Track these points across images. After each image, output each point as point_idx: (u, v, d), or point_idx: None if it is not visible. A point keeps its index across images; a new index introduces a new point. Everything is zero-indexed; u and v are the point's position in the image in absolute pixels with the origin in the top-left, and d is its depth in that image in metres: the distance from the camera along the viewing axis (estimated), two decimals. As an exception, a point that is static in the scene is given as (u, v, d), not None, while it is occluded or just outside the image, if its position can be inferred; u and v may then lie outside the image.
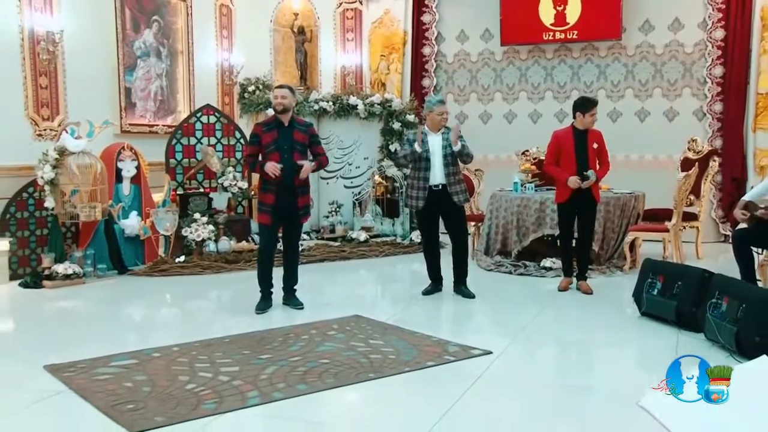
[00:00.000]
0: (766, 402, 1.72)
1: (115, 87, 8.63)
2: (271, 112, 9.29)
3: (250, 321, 5.66)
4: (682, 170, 8.40)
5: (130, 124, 8.84)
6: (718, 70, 9.74)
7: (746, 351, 4.37)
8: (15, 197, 7.42)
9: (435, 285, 6.68)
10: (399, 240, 9.42)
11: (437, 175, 6.37)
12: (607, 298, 6.48)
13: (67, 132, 7.55)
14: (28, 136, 7.63)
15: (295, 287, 6.20)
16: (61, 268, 7.07)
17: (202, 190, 8.88)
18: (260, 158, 5.96)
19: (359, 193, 10.01)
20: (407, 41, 11.20)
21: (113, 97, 8.62)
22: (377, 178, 9.94)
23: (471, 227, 8.82)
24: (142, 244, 8.04)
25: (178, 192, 8.66)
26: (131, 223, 7.93)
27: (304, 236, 8.74)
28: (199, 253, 8.06)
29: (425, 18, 11.23)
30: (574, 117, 6.65)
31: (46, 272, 7.08)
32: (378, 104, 9.95)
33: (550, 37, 10.37)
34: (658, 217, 8.14)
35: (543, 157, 7.82)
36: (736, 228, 6.40)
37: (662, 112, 10.14)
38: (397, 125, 9.96)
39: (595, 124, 6.65)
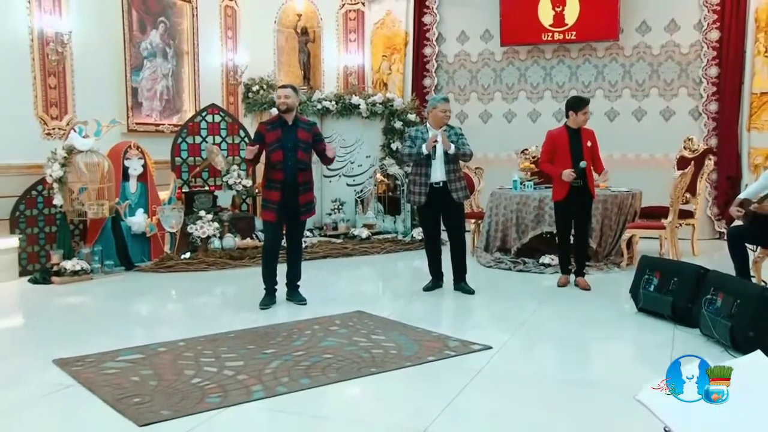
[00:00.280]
0: (760, 395, 1.71)
1: (122, 87, 8.63)
2: (274, 111, 9.34)
3: (255, 316, 5.67)
4: (678, 169, 8.40)
5: (137, 123, 8.85)
6: (714, 71, 9.73)
7: (741, 346, 4.37)
8: (24, 195, 7.42)
9: (436, 281, 6.68)
10: (400, 237, 9.42)
11: (438, 173, 6.36)
12: (604, 294, 6.48)
13: (75, 131, 7.55)
14: (37, 135, 7.64)
15: (298, 283, 6.20)
16: (69, 265, 7.08)
17: (207, 188, 8.88)
18: (263, 156, 5.99)
19: (361, 191, 10.00)
20: (408, 42, 11.19)
21: (120, 96, 8.62)
22: (379, 176, 9.95)
23: (471, 224, 8.83)
24: (148, 241, 8.05)
25: (183, 190, 8.66)
26: (138, 221, 7.93)
27: (308, 233, 8.75)
28: (204, 249, 8.06)
29: (426, 19, 11.21)
30: (567, 116, 6.66)
31: (55, 268, 7.09)
32: (380, 104, 9.95)
33: (549, 38, 10.36)
34: (654, 214, 8.13)
35: (542, 157, 7.82)
36: (731, 225, 6.39)
37: (659, 111, 10.13)
38: (398, 124, 9.96)
39: (588, 123, 6.65)
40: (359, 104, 9.80)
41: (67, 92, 7.95)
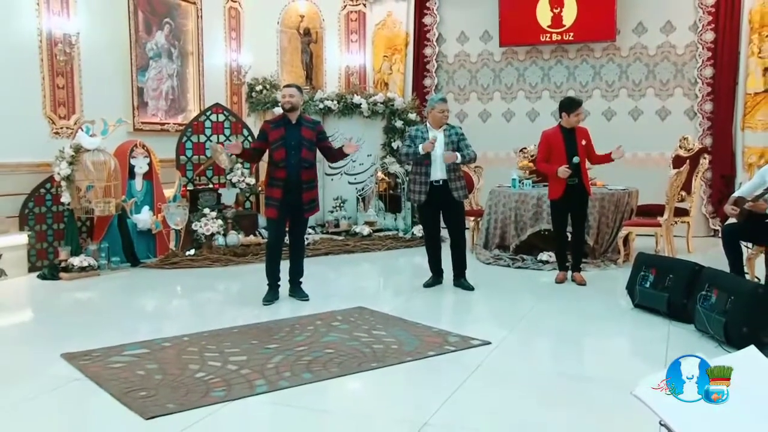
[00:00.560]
0: (753, 389, 1.71)
1: (128, 87, 8.64)
2: (277, 110, 9.35)
3: (258, 312, 5.67)
4: (674, 167, 8.39)
5: (143, 123, 8.85)
6: (708, 71, 9.72)
7: (734, 341, 4.37)
8: (33, 193, 7.43)
9: (436, 277, 6.68)
10: (401, 234, 9.42)
11: (438, 171, 6.36)
12: (601, 291, 6.48)
13: (82, 130, 7.56)
14: (45, 134, 7.64)
15: (300, 279, 6.20)
16: (76, 261, 7.09)
17: (211, 186, 8.88)
18: (266, 154, 6.00)
19: (363, 189, 10.00)
20: (409, 42, 11.18)
21: (126, 96, 8.63)
22: (380, 174, 9.95)
23: (470, 222, 8.83)
24: (153, 238, 8.06)
25: (188, 188, 8.67)
26: (143, 218, 7.94)
27: (310, 230, 8.74)
28: (208, 246, 8.06)
29: (426, 20, 11.20)
30: (560, 116, 6.68)
31: (63, 265, 7.10)
32: (381, 103, 9.94)
33: (547, 39, 10.35)
34: (650, 212, 8.13)
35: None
36: (726, 223, 6.40)
37: (655, 111, 10.12)
38: (399, 123, 9.95)
39: (585, 122, 6.66)
40: (361, 104, 9.79)
41: (75, 92, 7.95)
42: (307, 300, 6.03)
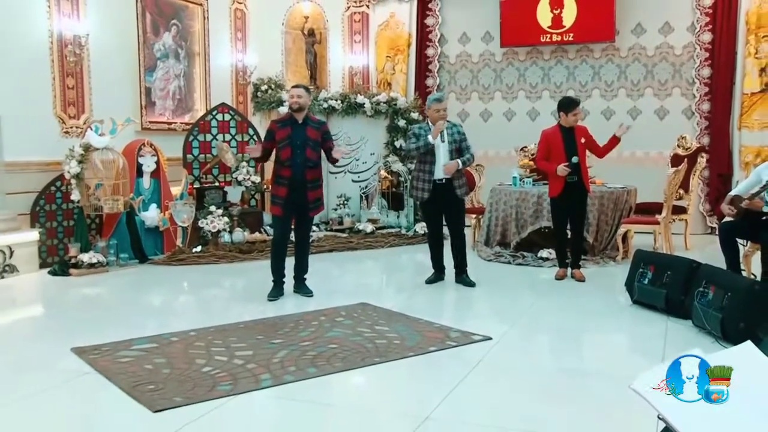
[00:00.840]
0: (749, 384, 1.71)
1: (137, 87, 8.64)
2: (282, 110, 9.35)
3: (263, 308, 5.67)
4: (672, 166, 8.37)
5: (150, 122, 8.86)
6: (706, 71, 9.70)
7: (731, 337, 4.37)
8: (44, 191, 7.45)
9: (438, 274, 6.68)
10: (403, 231, 9.42)
11: (441, 169, 6.37)
12: (600, 287, 6.47)
13: (91, 129, 7.58)
14: (55, 134, 7.66)
15: (305, 276, 6.20)
16: (86, 257, 7.10)
17: (217, 184, 8.89)
18: (273, 153, 5.99)
19: (366, 186, 10.00)
20: (412, 43, 11.16)
21: (134, 96, 8.64)
22: (383, 172, 9.94)
23: (472, 219, 8.83)
24: (161, 235, 8.07)
25: (194, 186, 8.67)
26: (151, 215, 7.95)
27: (314, 228, 8.73)
28: (214, 243, 8.07)
29: (429, 21, 11.19)
30: (559, 116, 6.68)
31: (73, 261, 7.11)
32: (384, 103, 9.94)
33: (547, 39, 10.33)
34: (649, 210, 8.12)
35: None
36: (723, 221, 6.38)
37: (653, 110, 10.10)
38: (402, 123, 9.95)
39: (585, 121, 6.66)
40: (364, 103, 9.79)
41: (84, 92, 7.96)
42: (312, 296, 6.03)
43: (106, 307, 6.07)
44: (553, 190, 6.68)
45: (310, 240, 6.55)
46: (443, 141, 6.32)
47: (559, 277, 6.78)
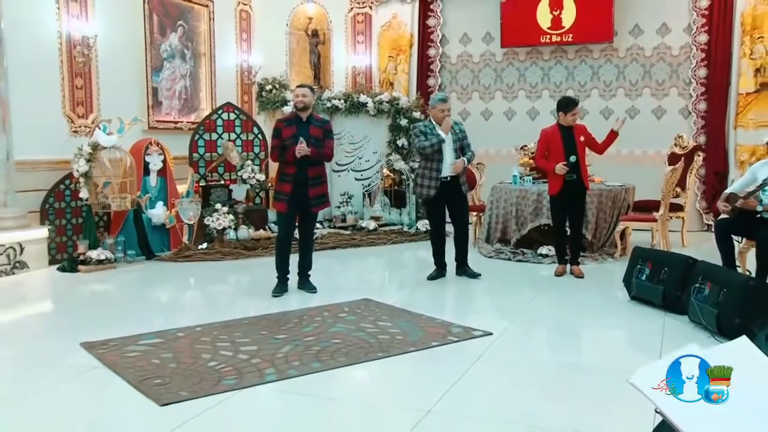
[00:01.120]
0: (747, 382, 1.71)
1: (144, 87, 8.64)
2: (286, 109, 9.35)
3: (267, 304, 5.67)
4: (669, 164, 8.37)
5: (157, 121, 8.86)
6: (702, 72, 9.68)
7: (727, 332, 4.37)
8: (53, 189, 7.46)
9: (440, 270, 6.68)
10: (405, 229, 9.41)
11: (447, 167, 6.40)
12: (599, 283, 6.47)
13: (99, 128, 7.59)
14: (64, 133, 7.67)
15: (309, 272, 6.20)
16: (94, 254, 7.11)
17: (222, 182, 8.89)
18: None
19: (369, 184, 10.00)
20: (414, 43, 11.15)
21: (142, 96, 8.64)
22: (385, 171, 9.94)
23: (473, 217, 8.81)
24: (167, 232, 8.07)
25: (200, 184, 8.68)
26: (158, 213, 7.95)
27: (317, 225, 8.74)
28: (220, 240, 8.07)
29: (430, 22, 11.18)
30: (558, 115, 6.68)
31: (81, 257, 7.12)
32: (386, 102, 9.93)
33: (547, 40, 10.32)
34: (646, 207, 8.11)
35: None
36: (719, 218, 6.38)
37: (651, 110, 10.09)
38: (404, 122, 9.95)
39: (584, 121, 6.66)
40: (367, 103, 9.78)
41: (93, 92, 7.97)
42: (315, 292, 6.03)
43: (114, 302, 6.08)
44: (552, 188, 6.68)
45: (314, 237, 6.56)
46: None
47: (559, 274, 6.78)
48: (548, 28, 10.26)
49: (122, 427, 3.35)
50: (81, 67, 7.78)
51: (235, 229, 8.21)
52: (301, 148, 5.74)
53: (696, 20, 9.65)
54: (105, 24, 8.05)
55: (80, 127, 7.82)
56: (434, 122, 6.46)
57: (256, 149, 9.10)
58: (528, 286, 6.42)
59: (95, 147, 7.45)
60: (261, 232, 8.42)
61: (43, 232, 7.21)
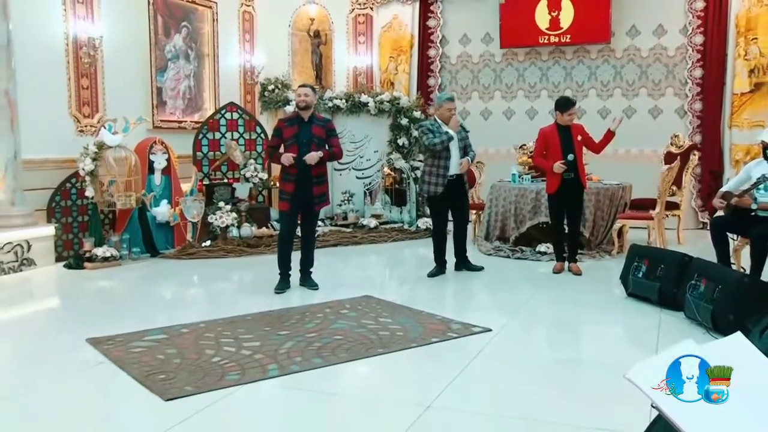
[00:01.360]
0: (743, 377, 1.71)
1: (148, 87, 8.64)
2: (288, 109, 9.34)
3: (270, 300, 5.67)
4: (666, 163, 8.37)
5: (161, 121, 8.86)
6: (698, 72, 9.67)
7: (721, 328, 4.37)
8: (59, 187, 7.46)
9: (440, 267, 6.69)
10: (406, 226, 9.41)
11: (454, 166, 6.44)
12: (596, 280, 6.47)
13: (105, 128, 7.58)
14: (71, 132, 7.67)
15: (311, 270, 6.20)
16: (100, 251, 7.11)
17: (226, 180, 8.88)
18: (281, 150, 5.97)
19: (370, 183, 10.00)
20: (414, 44, 11.14)
21: (146, 96, 8.64)
22: (386, 169, 9.94)
23: (473, 215, 8.81)
24: (171, 230, 8.07)
25: (204, 182, 8.67)
26: (162, 211, 7.95)
27: (319, 223, 8.74)
28: (223, 238, 8.08)
29: (431, 23, 11.17)
30: (555, 115, 6.69)
31: (87, 255, 7.12)
32: (387, 102, 9.93)
33: (546, 41, 10.31)
34: (643, 206, 8.11)
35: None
36: (714, 216, 6.38)
37: (647, 109, 10.08)
38: (404, 121, 9.95)
39: (582, 120, 6.66)
40: (368, 102, 9.78)
41: (98, 92, 7.96)
42: (317, 289, 6.03)
43: (120, 299, 6.08)
44: (550, 186, 6.68)
45: (316, 235, 6.57)
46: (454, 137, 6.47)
47: (557, 271, 6.78)
48: (546, 29, 10.25)
49: (128, 421, 3.36)
50: (87, 67, 7.78)
51: (238, 227, 8.21)
52: (311, 158, 5.76)
53: (691, 22, 9.64)
54: (110, 25, 8.05)
55: (86, 126, 7.82)
56: (440, 121, 6.48)
57: (259, 148, 9.10)
58: (527, 283, 6.42)
59: (101, 146, 7.45)
60: (263, 229, 8.43)
61: (50, 229, 7.21)
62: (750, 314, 4.30)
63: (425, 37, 11.19)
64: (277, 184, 6.64)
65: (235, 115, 9.09)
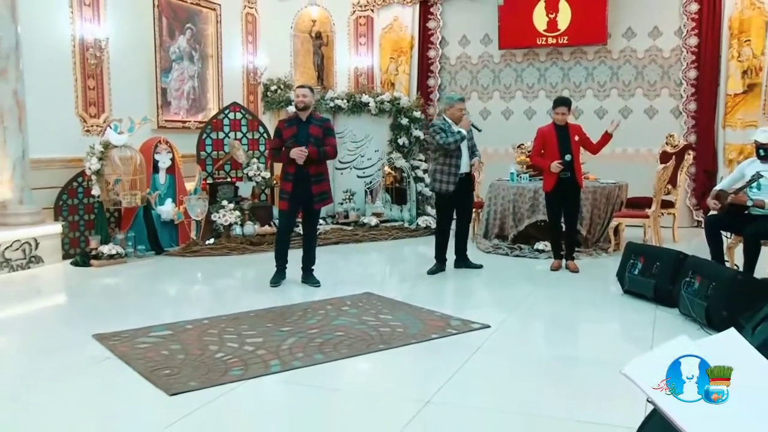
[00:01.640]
0: (742, 376, 1.70)
1: (153, 87, 8.64)
2: (290, 109, 9.34)
3: (273, 297, 5.67)
4: (661, 162, 8.36)
5: (166, 121, 8.86)
6: (692, 73, 9.66)
7: (715, 324, 4.38)
8: (66, 186, 7.46)
9: (440, 265, 6.69)
10: (406, 225, 9.41)
11: (465, 164, 6.47)
12: (593, 278, 6.47)
13: (111, 128, 7.59)
14: (77, 132, 7.68)
15: (312, 267, 6.20)
16: (106, 249, 7.11)
17: (229, 179, 8.89)
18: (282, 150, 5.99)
19: (370, 182, 9.99)
20: (414, 45, 11.12)
21: (151, 96, 8.64)
22: (387, 168, 9.93)
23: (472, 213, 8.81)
24: (176, 228, 8.07)
25: (208, 181, 8.67)
26: (167, 209, 7.95)
27: (321, 221, 8.74)
28: (226, 236, 8.08)
29: (431, 24, 11.15)
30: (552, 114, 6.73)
31: (93, 252, 7.12)
32: (388, 102, 9.92)
33: (543, 42, 10.28)
34: (639, 204, 8.11)
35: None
36: (708, 214, 6.37)
37: (643, 110, 10.06)
38: (405, 121, 9.94)
39: (579, 120, 6.66)
40: (369, 102, 9.77)
41: (104, 93, 7.97)
42: (319, 286, 6.03)
43: (125, 296, 6.09)
44: (546, 184, 6.68)
45: (317, 233, 6.57)
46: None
47: (555, 268, 6.77)
48: (544, 31, 10.23)
49: (133, 415, 3.36)
50: (93, 68, 7.78)
51: (241, 225, 8.21)
52: (299, 156, 5.74)
53: (686, 24, 9.62)
54: (116, 27, 8.05)
55: (92, 126, 7.82)
56: (449, 120, 6.48)
57: (262, 147, 9.09)
58: (525, 281, 6.42)
59: (107, 146, 7.45)
60: (266, 227, 8.42)
61: (57, 227, 7.21)
62: (743, 310, 4.29)
63: (425, 38, 11.17)
64: (279, 183, 6.63)
65: (239, 115, 9.09)
